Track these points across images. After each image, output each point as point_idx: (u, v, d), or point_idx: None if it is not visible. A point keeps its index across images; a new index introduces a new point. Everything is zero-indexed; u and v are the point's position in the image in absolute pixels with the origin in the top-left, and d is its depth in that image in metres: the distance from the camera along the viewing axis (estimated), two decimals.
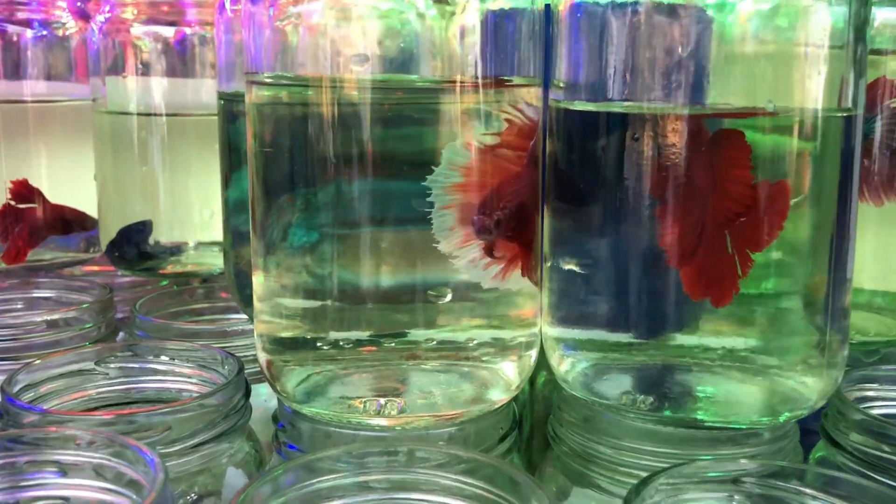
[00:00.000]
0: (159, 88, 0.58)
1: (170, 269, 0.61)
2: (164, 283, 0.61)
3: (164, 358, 0.45)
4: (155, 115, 0.58)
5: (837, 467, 0.39)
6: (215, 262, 0.59)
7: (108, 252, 0.61)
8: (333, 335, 0.36)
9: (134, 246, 0.59)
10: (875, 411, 0.42)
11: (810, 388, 0.36)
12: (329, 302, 0.35)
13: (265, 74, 0.34)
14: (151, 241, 0.59)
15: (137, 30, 0.58)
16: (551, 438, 0.40)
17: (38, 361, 0.41)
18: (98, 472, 0.32)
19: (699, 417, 0.35)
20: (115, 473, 0.31)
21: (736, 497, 0.32)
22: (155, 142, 0.58)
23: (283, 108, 0.35)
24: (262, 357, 0.38)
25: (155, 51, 0.58)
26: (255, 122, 0.35)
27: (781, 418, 0.35)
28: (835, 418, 0.39)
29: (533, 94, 0.35)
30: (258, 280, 0.37)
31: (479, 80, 0.33)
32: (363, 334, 0.36)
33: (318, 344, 0.36)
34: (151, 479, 0.29)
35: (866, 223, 0.46)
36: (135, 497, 0.30)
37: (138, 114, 0.58)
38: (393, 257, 0.34)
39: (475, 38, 0.34)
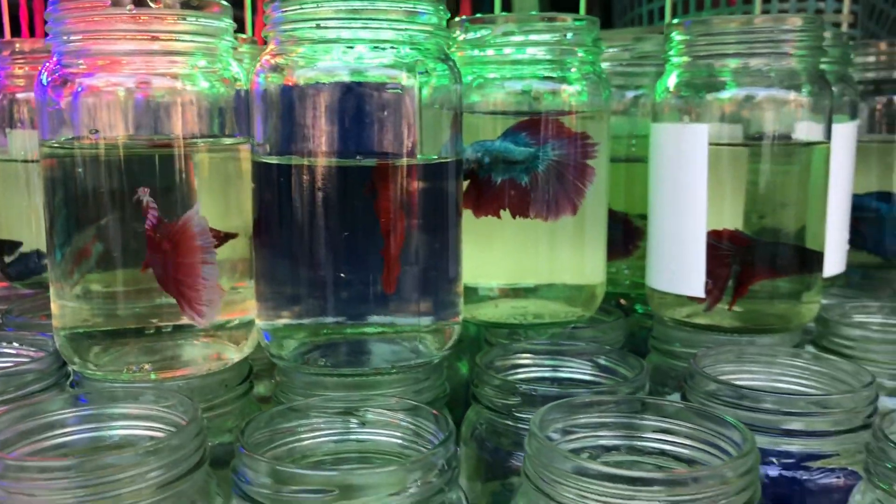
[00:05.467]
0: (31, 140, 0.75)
1: None
2: None
3: (14, 344, 0.61)
4: (32, 161, 0.75)
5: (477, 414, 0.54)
6: None
7: None
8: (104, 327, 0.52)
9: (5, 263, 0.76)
10: (525, 375, 0.58)
11: (429, 346, 0.52)
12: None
13: (49, 141, 0.51)
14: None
15: (21, 94, 0.75)
16: (274, 398, 0.55)
17: None
18: None
19: (358, 369, 0.51)
20: None
21: (352, 420, 0.48)
22: (33, 181, 0.75)
23: (60, 166, 0.51)
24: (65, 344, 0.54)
25: (29, 111, 0.75)
26: (45, 177, 0.51)
27: (407, 364, 0.51)
28: (476, 378, 0.54)
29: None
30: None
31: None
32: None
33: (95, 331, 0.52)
34: None
35: (541, 235, 0.62)
36: None
37: (23, 160, 0.75)
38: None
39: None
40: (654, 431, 0.45)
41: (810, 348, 0.64)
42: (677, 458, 0.45)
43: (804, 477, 0.48)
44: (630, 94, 0.76)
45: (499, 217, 0.61)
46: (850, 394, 0.49)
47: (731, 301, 0.61)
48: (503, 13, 1.00)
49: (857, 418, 0.48)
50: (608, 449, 0.46)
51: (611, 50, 0.75)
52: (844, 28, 1.00)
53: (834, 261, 0.73)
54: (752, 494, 0.38)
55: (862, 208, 0.86)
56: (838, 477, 0.48)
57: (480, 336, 0.67)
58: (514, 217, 0.61)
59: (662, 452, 0.45)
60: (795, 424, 0.48)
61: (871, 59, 0.87)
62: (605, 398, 0.46)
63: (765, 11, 1.04)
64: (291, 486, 0.38)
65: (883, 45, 0.87)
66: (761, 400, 0.49)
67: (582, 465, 0.38)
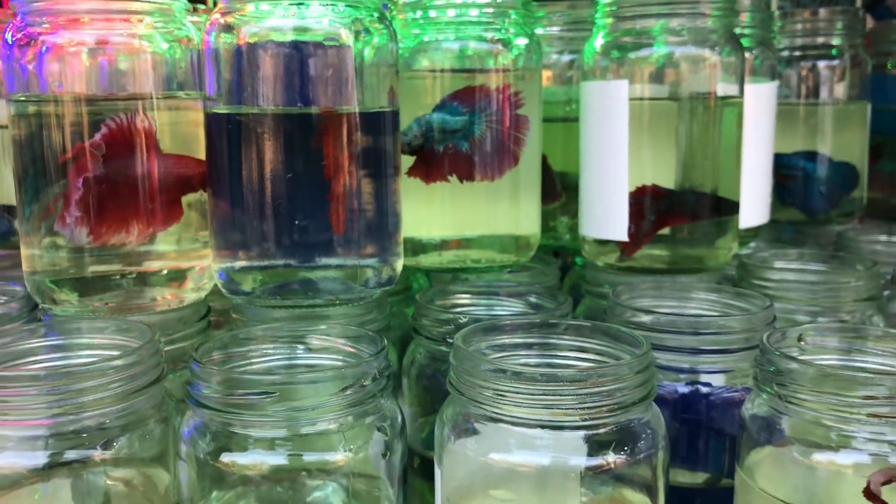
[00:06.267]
0: None
1: None
2: None
3: None
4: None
5: (417, 344, 0.59)
6: None
7: None
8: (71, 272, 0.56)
9: None
10: (468, 311, 0.63)
11: (370, 283, 0.57)
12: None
13: (15, 95, 0.55)
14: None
15: None
16: (232, 321, 0.60)
17: None
18: None
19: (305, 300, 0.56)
20: None
21: (299, 347, 0.52)
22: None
23: (24, 122, 0.55)
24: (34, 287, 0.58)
25: None
26: (12, 135, 0.56)
27: (349, 298, 0.56)
28: (416, 313, 0.59)
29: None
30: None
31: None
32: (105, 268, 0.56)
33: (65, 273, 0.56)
34: None
35: (480, 192, 0.66)
36: None
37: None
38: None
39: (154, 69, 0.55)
40: (568, 350, 0.50)
41: None
42: None
43: (708, 391, 0.54)
44: (567, 59, 0.81)
45: (448, 182, 0.66)
46: (748, 315, 0.55)
47: (639, 244, 0.67)
48: None
49: (755, 338, 0.53)
50: (529, 366, 0.51)
51: (550, 16, 0.80)
52: None
53: (755, 212, 0.78)
54: (647, 391, 0.43)
55: (790, 167, 0.92)
56: (738, 392, 0.54)
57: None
58: (461, 182, 0.66)
59: None
60: (701, 344, 0.54)
61: (799, 26, 0.93)
62: (522, 321, 0.51)
63: None
64: (239, 391, 0.43)
65: (807, 14, 0.93)
66: (671, 324, 0.54)
67: (497, 366, 0.43)
